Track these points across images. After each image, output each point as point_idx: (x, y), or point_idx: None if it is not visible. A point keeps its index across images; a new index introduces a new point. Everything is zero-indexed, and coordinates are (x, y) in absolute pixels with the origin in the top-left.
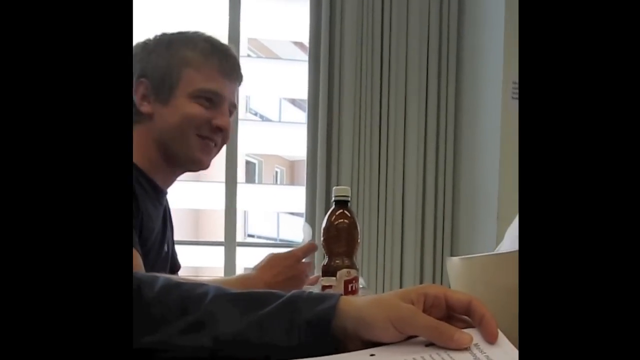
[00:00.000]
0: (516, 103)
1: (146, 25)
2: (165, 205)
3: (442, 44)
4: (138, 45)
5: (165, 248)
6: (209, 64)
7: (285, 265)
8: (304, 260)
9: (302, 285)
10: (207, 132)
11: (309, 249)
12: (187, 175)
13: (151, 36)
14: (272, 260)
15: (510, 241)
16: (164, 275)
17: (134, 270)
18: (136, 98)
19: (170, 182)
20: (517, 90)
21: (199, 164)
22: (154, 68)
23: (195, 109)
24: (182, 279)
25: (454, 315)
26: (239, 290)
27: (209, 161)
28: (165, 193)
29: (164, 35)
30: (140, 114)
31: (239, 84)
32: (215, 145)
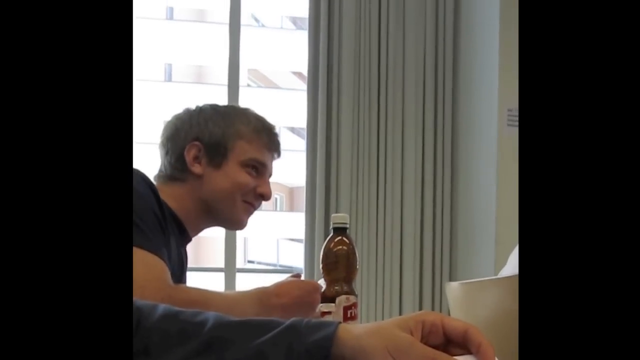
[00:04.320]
0: (511, 130)
1: (149, 58)
2: (184, 251)
3: (438, 74)
4: (194, 110)
5: None
6: (259, 138)
7: (306, 290)
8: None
9: (312, 313)
10: (252, 199)
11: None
12: None
13: (207, 104)
14: (293, 282)
15: (512, 267)
16: (163, 304)
17: (135, 299)
18: (188, 158)
19: (199, 231)
20: (512, 117)
21: (239, 225)
22: (210, 134)
23: (245, 177)
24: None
25: (452, 342)
26: (238, 318)
27: (246, 224)
28: (189, 240)
29: (218, 106)
30: (190, 173)
31: (278, 158)
32: (255, 209)
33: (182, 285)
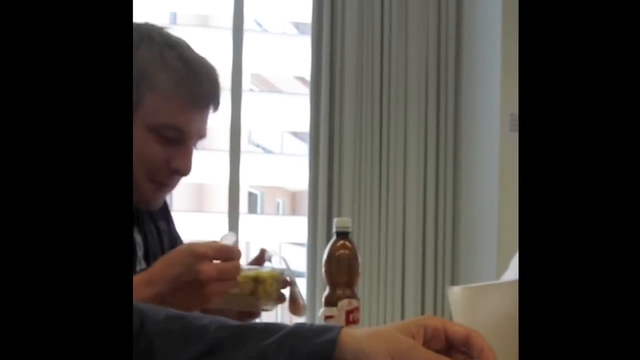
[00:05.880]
0: (514, 135)
1: None
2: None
3: (441, 79)
4: None
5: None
6: (180, 93)
7: (186, 264)
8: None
9: (206, 303)
10: (163, 177)
11: (225, 250)
12: (188, 205)
13: (141, 23)
14: (166, 259)
15: (513, 272)
16: (166, 308)
17: (137, 302)
18: None
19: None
20: (515, 122)
21: (147, 206)
22: None
23: (150, 148)
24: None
25: (454, 346)
26: (241, 322)
27: (160, 203)
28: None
29: (137, 34)
30: None
31: (215, 110)
32: (171, 188)
33: None
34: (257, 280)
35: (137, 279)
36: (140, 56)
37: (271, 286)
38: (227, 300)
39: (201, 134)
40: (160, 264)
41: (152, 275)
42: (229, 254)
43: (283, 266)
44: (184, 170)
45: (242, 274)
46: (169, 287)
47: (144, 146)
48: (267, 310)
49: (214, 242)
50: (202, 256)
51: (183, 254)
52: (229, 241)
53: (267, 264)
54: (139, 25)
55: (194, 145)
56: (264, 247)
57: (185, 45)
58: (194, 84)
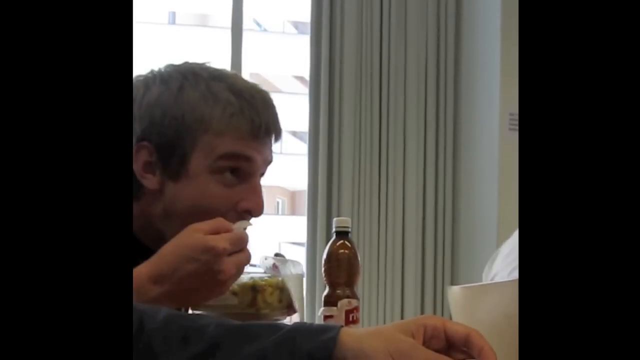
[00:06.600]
0: (513, 134)
1: (150, 63)
2: None
3: (440, 77)
4: (144, 81)
5: None
6: (236, 123)
7: (202, 261)
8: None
9: (223, 288)
10: (234, 219)
11: (240, 241)
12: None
13: (166, 68)
14: (178, 247)
15: (502, 262)
16: (165, 308)
17: (137, 302)
18: (136, 166)
19: None
20: (514, 122)
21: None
22: (160, 129)
23: (216, 193)
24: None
25: (454, 346)
26: (240, 322)
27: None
28: None
29: (175, 74)
30: (142, 187)
31: (277, 139)
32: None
33: None
34: (255, 289)
35: (142, 273)
36: (187, 97)
37: (272, 295)
38: (226, 313)
39: (267, 163)
40: (172, 258)
41: (161, 270)
42: (244, 243)
43: (292, 272)
44: (256, 210)
45: (239, 283)
46: (182, 286)
47: (207, 191)
48: (275, 321)
49: (220, 222)
50: (222, 253)
51: (200, 250)
52: (244, 227)
53: (259, 268)
54: (179, 65)
55: (261, 178)
56: (278, 252)
57: (232, 75)
58: (251, 113)
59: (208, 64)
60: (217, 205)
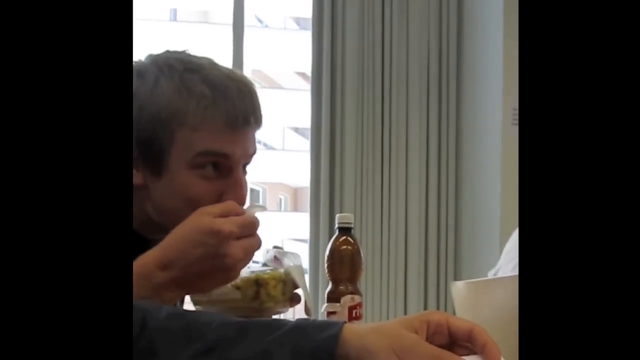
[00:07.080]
0: (516, 129)
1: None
2: None
3: (442, 73)
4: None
5: None
6: (214, 118)
7: (208, 245)
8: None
9: (224, 284)
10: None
11: (250, 225)
12: None
13: (146, 59)
14: (187, 233)
15: (504, 258)
16: (167, 306)
17: (139, 300)
18: None
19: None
20: (517, 117)
21: None
22: (138, 125)
23: (198, 188)
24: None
25: (457, 341)
26: (243, 319)
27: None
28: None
29: (150, 66)
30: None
31: (258, 126)
32: None
33: None
34: (258, 283)
35: (148, 259)
36: (162, 91)
37: (275, 288)
38: (230, 307)
39: (249, 154)
40: (178, 243)
41: (168, 255)
42: (254, 228)
43: (293, 263)
44: (238, 203)
45: (242, 277)
46: (189, 271)
47: (189, 187)
48: (278, 313)
49: (231, 204)
50: (228, 236)
51: (206, 234)
52: (255, 212)
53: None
54: (157, 56)
55: (244, 170)
56: (276, 245)
57: (208, 64)
58: (226, 104)
59: (187, 53)
60: (199, 198)
